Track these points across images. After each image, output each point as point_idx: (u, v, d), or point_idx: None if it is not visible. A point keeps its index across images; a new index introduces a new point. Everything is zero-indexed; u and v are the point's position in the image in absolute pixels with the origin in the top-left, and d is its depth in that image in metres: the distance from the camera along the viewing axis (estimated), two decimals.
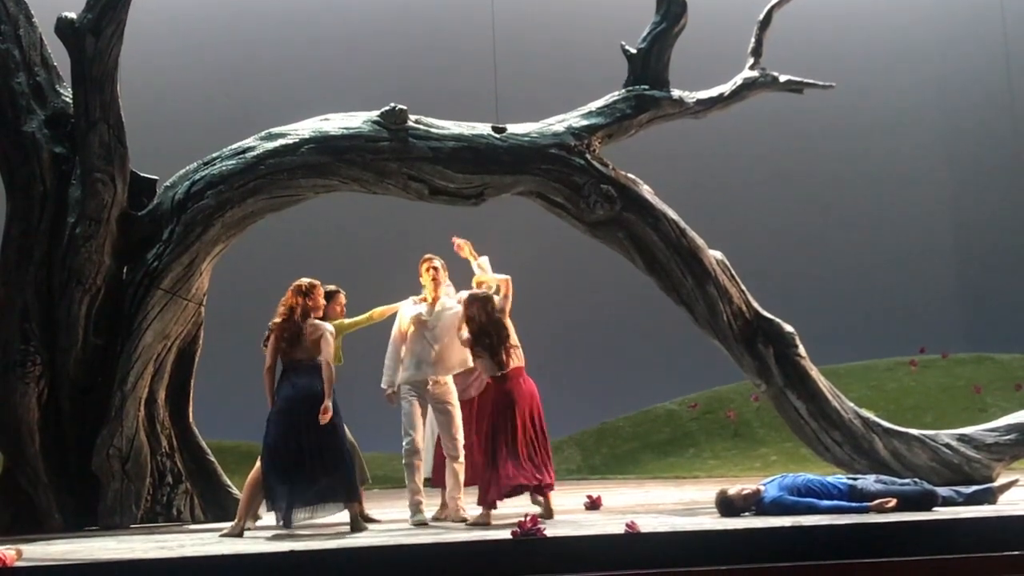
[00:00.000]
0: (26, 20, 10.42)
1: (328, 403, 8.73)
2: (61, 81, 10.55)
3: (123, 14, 10.15)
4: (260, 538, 8.66)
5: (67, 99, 10.43)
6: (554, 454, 15.55)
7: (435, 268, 9.48)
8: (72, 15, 10.16)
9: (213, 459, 10.41)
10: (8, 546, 7.66)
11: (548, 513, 9.14)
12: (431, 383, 9.30)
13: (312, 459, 8.73)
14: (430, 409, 9.40)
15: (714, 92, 10.79)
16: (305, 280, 9.05)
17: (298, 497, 8.74)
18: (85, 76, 10.12)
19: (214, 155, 10.36)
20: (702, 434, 15.32)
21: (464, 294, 9.40)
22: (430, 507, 9.50)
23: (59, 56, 10.53)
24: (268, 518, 9.98)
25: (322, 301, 9.13)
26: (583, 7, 17.53)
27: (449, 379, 9.39)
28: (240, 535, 8.82)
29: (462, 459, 9.28)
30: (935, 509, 8.57)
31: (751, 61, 10.85)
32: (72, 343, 10.01)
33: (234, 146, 10.34)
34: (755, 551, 7.37)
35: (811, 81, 10.92)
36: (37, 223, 10.19)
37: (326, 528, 9.10)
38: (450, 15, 17.57)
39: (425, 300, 9.48)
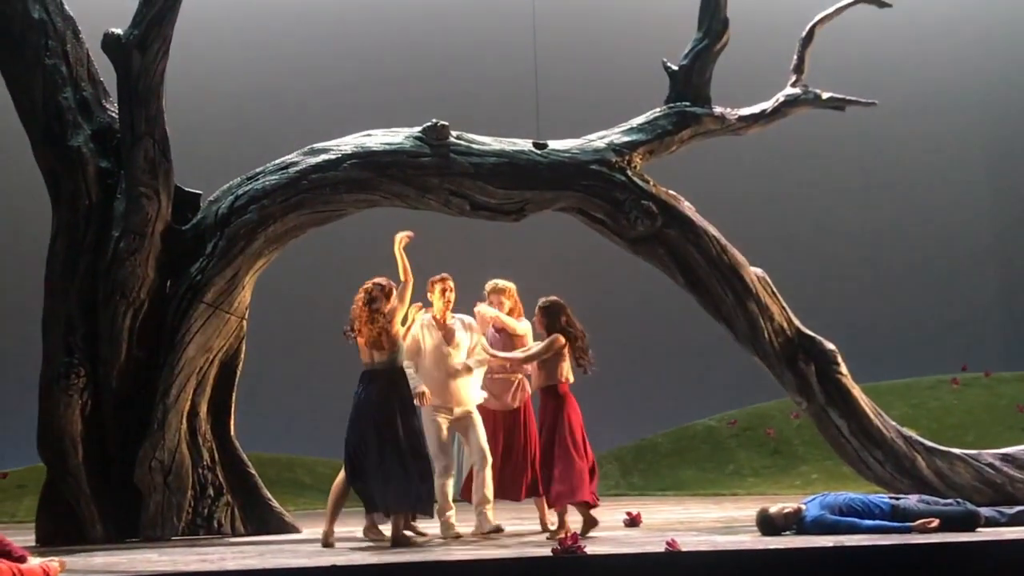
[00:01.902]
0: (73, 36, 10.51)
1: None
2: (107, 96, 10.64)
3: (169, 30, 10.23)
4: (302, 552, 8.68)
5: (113, 114, 10.51)
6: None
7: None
8: (119, 31, 10.25)
9: (254, 472, 10.45)
10: (51, 557, 7.71)
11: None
12: None
13: (396, 461, 8.77)
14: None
15: (756, 109, 10.77)
16: (382, 280, 9.11)
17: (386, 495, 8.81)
18: (131, 91, 10.20)
19: (257, 170, 10.42)
20: (742, 451, 15.25)
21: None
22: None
23: (105, 71, 10.62)
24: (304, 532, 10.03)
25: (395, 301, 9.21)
26: (625, 24, 17.53)
27: None
28: (328, 544, 8.90)
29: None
30: (978, 530, 8.51)
31: (793, 78, 10.81)
32: (115, 356, 10.08)
33: (277, 161, 10.40)
34: (797, 570, 7.34)
35: (854, 98, 10.87)
36: (82, 237, 10.27)
37: (368, 542, 9.11)
38: (492, 33, 17.61)
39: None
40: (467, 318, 9.65)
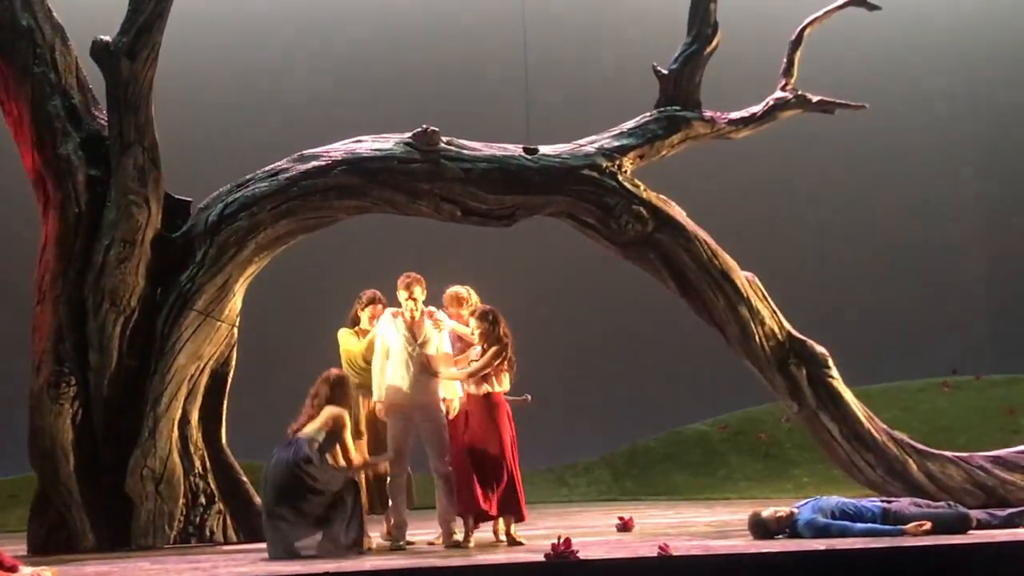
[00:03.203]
0: (62, 43, 10.48)
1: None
2: (96, 104, 10.61)
3: (158, 37, 10.21)
4: (296, 560, 8.65)
5: (102, 121, 10.49)
6: (585, 474, 15.68)
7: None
8: (107, 38, 10.23)
9: (246, 480, 10.42)
10: (42, 567, 7.71)
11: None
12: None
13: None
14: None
15: (746, 113, 10.80)
16: (340, 372, 9.09)
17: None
18: (120, 99, 10.18)
19: (247, 177, 10.41)
20: (733, 455, 15.28)
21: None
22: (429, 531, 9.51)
23: (95, 79, 10.60)
24: None
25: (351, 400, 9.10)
26: (615, 29, 17.55)
27: None
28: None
29: None
30: (970, 532, 8.51)
31: (783, 81, 10.84)
32: (106, 364, 10.06)
33: (267, 168, 10.39)
34: (789, 574, 7.34)
35: (844, 102, 10.91)
36: (72, 245, 10.25)
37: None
38: (482, 39, 17.62)
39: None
40: (438, 312, 9.39)
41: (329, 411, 8.84)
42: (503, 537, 9.15)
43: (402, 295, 9.30)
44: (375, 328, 9.45)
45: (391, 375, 9.24)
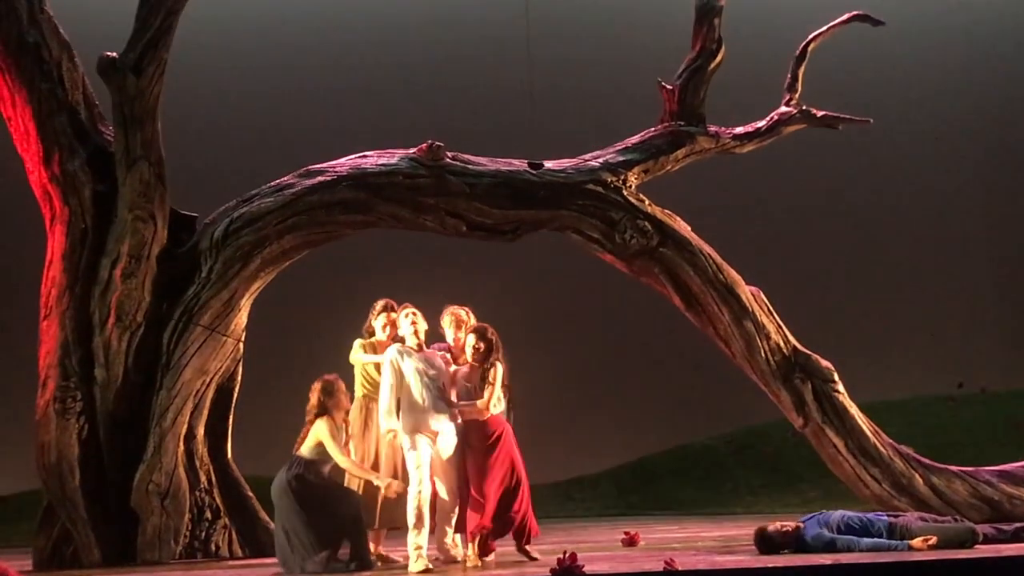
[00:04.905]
0: (68, 60, 10.51)
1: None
2: (103, 119, 10.64)
3: (164, 53, 10.25)
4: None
5: (108, 137, 10.52)
6: (591, 489, 15.69)
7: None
8: (114, 54, 10.27)
9: (251, 495, 10.44)
10: None
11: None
12: None
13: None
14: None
15: (750, 128, 10.82)
16: (328, 377, 8.89)
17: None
18: (126, 115, 10.20)
19: (253, 192, 10.44)
20: (739, 470, 15.29)
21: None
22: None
23: (101, 94, 10.62)
24: None
25: (344, 402, 8.95)
26: (620, 44, 17.59)
27: None
28: None
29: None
30: (976, 547, 8.51)
31: (787, 96, 10.86)
32: (112, 379, 10.08)
33: (273, 183, 10.42)
34: None
35: (848, 116, 10.93)
36: (78, 260, 10.27)
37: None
38: (487, 55, 17.67)
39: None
40: (442, 352, 9.19)
41: (316, 427, 8.69)
42: (485, 558, 9.05)
43: (404, 321, 9.07)
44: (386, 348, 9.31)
45: (408, 401, 8.92)
